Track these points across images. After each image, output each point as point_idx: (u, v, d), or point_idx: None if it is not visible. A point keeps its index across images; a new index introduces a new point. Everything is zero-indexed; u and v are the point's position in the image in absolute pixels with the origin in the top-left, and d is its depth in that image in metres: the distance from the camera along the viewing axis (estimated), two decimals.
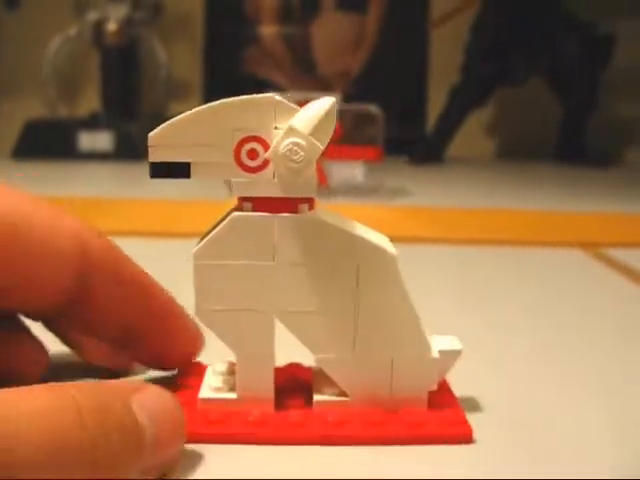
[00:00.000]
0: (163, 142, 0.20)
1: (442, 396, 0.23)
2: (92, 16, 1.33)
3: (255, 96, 0.20)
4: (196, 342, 0.25)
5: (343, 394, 0.22)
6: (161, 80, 1.44)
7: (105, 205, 0.70)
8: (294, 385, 0.23)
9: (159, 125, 0.20)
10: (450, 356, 0.22)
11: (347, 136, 0.75)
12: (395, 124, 1.17)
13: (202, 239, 0.21)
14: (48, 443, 0.15)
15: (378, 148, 0.81)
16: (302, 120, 0.19)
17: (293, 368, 0.25)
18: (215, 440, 0.20)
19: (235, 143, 0.20)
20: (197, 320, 0.22)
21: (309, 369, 0.24)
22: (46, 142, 1.25)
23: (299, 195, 0.21)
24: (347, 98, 1.05)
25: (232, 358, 0.22)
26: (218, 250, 0.21)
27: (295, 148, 0.19)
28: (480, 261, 0.50)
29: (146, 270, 0.24)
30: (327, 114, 0.20)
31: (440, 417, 0.22)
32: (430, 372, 0.22)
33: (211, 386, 0.22)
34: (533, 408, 0.24)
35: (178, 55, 1.50)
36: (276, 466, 0.20)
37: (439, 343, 0.22)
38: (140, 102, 1.44)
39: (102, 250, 0.22)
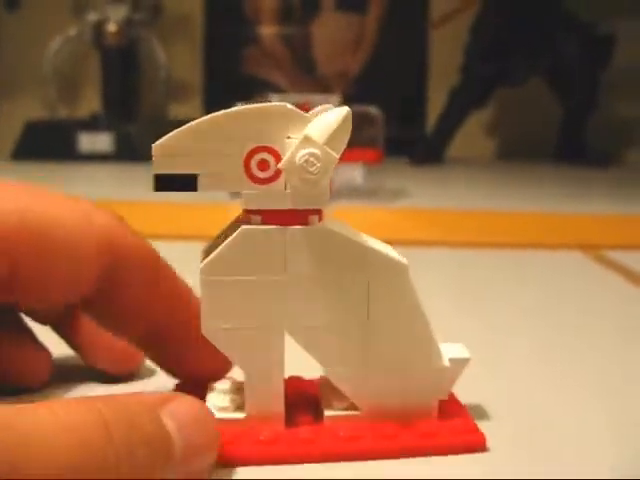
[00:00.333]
0: (168, 152, 0.19)
1: (450, 404, 0.22)
2: (92, 17, 1.33)
3: (266, 105, 0.19)
4: (225, 359, 0.22)
5: (353, 407, 0.21)
6: (161, 81, 1.44)
7: (105, 206, 0.70)
8: (300, 400, 0.23)
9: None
10: (459, 364, 0.22)
11: None
12: (395, 125, 1.17)
13: (207, 252, 0.20)
14: (74, 458, 0.15)
15: (378, 150, 0.80)
16: (317, 130, 0.19)
17: (295, 381, 0.24)
18: (226, 462, 0.20)
19: (245, 153, 0.19)
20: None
21: (312, 382, 0.23)
22: (46, 143, 1.25)
23: (312, 207, 0.20)
24: (347, 99, 1.05)
25: (235, 375, 0.22)
26: (227, 265, 0.20)
27: (312, 159, 0.19)
28: (479, 263, 0.50)
29: None
30: (343, 122, 0.19)
31: (452, 426, 0.21)
32: (442, 381, 0.21)
33: (216, 405, 0.21)
34: (533, 409, 0.24)
35: (178, 56, 1.51)
36: None
37: (448, 351, 0.22)
38: (140, 103, 1.44)
39: (132, 248, 0.23)
